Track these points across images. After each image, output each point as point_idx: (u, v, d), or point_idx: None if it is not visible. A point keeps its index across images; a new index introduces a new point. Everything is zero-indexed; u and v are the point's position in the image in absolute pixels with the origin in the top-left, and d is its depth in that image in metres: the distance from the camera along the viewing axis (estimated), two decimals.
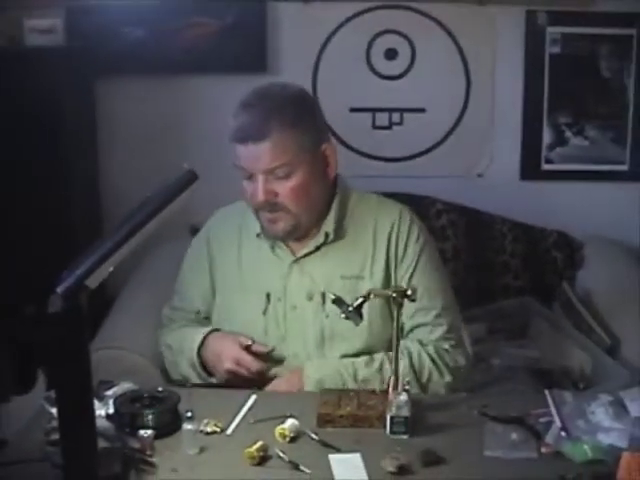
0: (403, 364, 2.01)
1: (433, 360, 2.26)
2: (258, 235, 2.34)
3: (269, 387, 2.24)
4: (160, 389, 2.02)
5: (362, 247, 2.32)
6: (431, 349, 2.27)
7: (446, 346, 2.29)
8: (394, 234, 2.32)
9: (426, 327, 2.30)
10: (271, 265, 2.32)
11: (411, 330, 2.31)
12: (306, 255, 2.32)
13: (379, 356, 2.25)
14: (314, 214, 2.29)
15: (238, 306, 2.34)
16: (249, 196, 2.24)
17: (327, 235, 2.30)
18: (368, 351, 2.27)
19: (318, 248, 2.31)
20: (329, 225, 2.30)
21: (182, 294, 2.48)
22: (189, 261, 2.48)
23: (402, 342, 2.21)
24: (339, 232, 2.31)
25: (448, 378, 2.27)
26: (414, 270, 2.31)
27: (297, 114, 2.20)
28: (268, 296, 2.31)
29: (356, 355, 2.27)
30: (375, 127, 3.73)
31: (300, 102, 2.24)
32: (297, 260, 2.32)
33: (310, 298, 2.28)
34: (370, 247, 2.32)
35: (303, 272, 2.31)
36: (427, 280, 2.32)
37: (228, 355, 2.25)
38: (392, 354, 2.02)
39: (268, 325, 2.30)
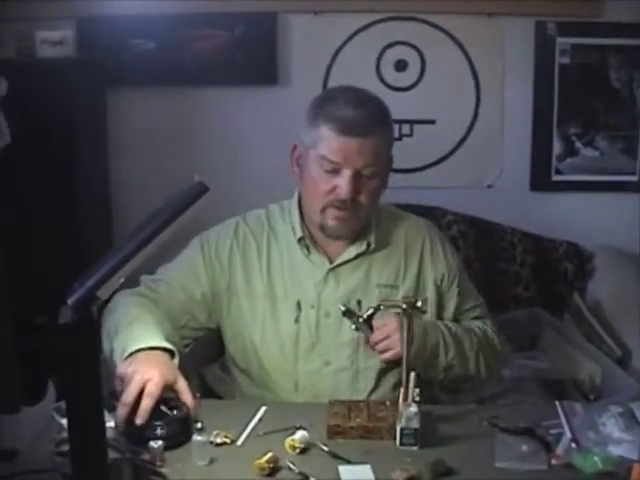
0: (412, 375, 2.01)
1: (493, 330, 2.43)
2: (300, 240, 2.33)
3: (378, 327, 2.18)
4: (171, 400, 2.02)
5: (394, 258, 2.37)
6: (488, 323, 2.46)
7: (495, 327, 2.47)
8: (427, 250, 2.40)
9: (479, 319, 2.45)
10: (305, 272, 2.32)
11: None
12: (342, 263, 2.33)
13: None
14: (368, 220, 2.33)
15: (266, 314, 2.32)
16: (326, 190, 2.22)
17: (369, 244, 2.33)
18: (399, 360, 2.28)
19: (357, 256, 2.33)
20: (371, 235, 2.33)
21: (175, 270, 2.37)
22: (202, 253, 2.37)
23: (463, 323, 2.41)
24: (377, 243, 2.34)
25: (506, 347, 2.52)
26: (459, 282, 2.42)
27: (390, 122, 2.29)
28: (299, 304, 2.30)
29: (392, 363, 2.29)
30: None
31: (388, 114, 2.29)
32: (333, 268, 2.33)
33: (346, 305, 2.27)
34: (402, 258, 2.37)
35: (339, 280, 2.32)
36: (468, 283, 2.49)
37: (153, 377, 1.95)
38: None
39: (300, 332, 2.30)
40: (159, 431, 1.91)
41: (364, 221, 2.30)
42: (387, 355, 2.19)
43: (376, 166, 2.21)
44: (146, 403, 1.91)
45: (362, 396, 2.28)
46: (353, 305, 2.28)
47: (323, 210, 2.24)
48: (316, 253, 2.34)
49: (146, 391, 1.92)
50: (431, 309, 2.32)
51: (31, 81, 3.17)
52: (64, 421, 1.75)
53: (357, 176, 2.19)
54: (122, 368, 2.00)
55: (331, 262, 2.33)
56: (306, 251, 2.33)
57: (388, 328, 2.17)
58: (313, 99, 2.28)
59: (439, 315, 2.38)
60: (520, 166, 3.83)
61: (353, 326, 2.11)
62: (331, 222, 2.25)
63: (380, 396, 2.29)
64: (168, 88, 3.72)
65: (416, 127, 3.77)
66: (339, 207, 2.22)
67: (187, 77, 3.71)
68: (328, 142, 2.18)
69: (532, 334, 3.42)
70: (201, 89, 3.74)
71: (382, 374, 2.31)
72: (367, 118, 2.18)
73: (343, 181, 2.18)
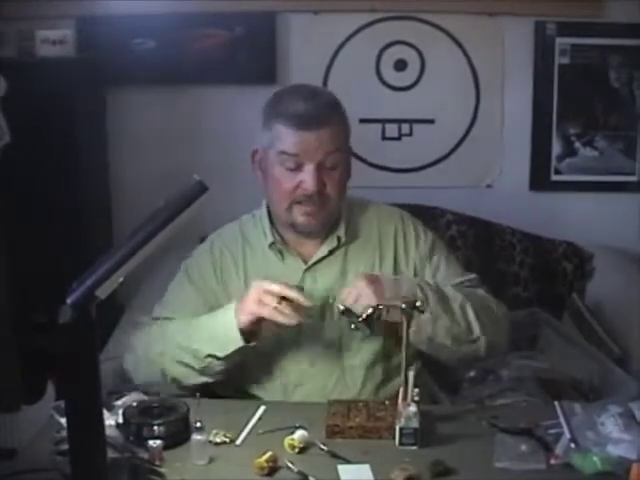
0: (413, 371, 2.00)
1: (485, 294, 2.38)
2: (271, 245, 2.33)
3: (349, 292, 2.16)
4: (170, 399, 2.02)
5: (369, 248, 2.36)
6: (482, 290, 2.39)
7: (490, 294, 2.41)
8: (400, 237, 2.39)
9: (472, 288, 2.38)
10: (282, 277, 2.28)
11: None
12: (317, 262, 2.33)
13: None
14: (337, 213, 2.33)
15: None
16: (291, 188, 2.23)
17: (339, 239, 2.33)
18: (389, 354, 2.29)
19: (331, 252, 2.33)
20: (341, 229, 2.33)
21: (169, 305, 2.37)
22: (189, 278, 2.38)
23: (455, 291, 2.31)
24: (348, 236, 2.34)
25: (504, 308, 2.38)
26: (437, 260, 2.38)
27: (343, 111, 2.29)
28: None
29: (376, 358, 2.30)
30: (384, 138, 3.73)
31: (340, 103, 2.31)
32: (309, 268, 2.33)
33: (326, 303, 2.28)
34: (377, 249, 2.36)
35: (316, 278, 2.32)
36: (450, 259, 2.44)
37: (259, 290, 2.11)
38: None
39: (283, 337, 2.28)
40: (158, 430, 1.91)
41: (334, 213, 2.31)
42: (361, 301, 2.11)
43: (336, 155, 2.23)
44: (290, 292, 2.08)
45: (351, 394, 2.28)
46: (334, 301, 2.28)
47: (289, 208, 2.25)
48: (290, 256, 2.34)
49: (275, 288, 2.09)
50: None
51: (31, 80, 3.16)
52: (63, 420, 1.76)
53: (320, 168, 2.21)
54: (245, 309, 2.13)
55: (306, 263, 2.33)
56: (280, 255, 2.34)
57: (358, 288, 2.13)
58: (265, 102, 2.31)
59: None
60: (519, 166, 3.83)
61: (352, 325, 2.10)
62: (300, 218, 2.26)
63: (369, 393, 2.29)
64: (168, 87, 3.72)
65: (415, 127, 3.76)
66: (306, 202, 2.23)
67: (187, 76, 3.71)
68: (285, 138, 2.21)
69: (531, 334, 3.42)
70: (201, 88, 3.73)
71: (368, 371, 2.30)
72: (319, 110, 2.21)
73: (307, 175, 2.20)
